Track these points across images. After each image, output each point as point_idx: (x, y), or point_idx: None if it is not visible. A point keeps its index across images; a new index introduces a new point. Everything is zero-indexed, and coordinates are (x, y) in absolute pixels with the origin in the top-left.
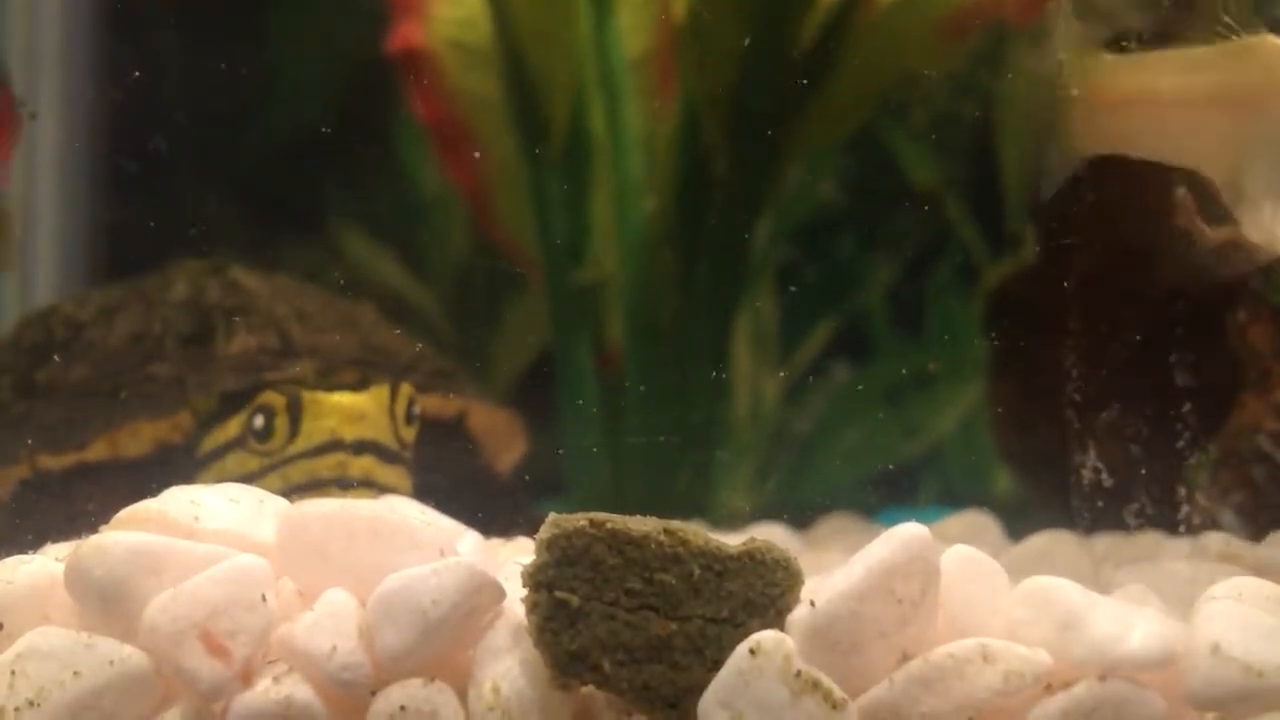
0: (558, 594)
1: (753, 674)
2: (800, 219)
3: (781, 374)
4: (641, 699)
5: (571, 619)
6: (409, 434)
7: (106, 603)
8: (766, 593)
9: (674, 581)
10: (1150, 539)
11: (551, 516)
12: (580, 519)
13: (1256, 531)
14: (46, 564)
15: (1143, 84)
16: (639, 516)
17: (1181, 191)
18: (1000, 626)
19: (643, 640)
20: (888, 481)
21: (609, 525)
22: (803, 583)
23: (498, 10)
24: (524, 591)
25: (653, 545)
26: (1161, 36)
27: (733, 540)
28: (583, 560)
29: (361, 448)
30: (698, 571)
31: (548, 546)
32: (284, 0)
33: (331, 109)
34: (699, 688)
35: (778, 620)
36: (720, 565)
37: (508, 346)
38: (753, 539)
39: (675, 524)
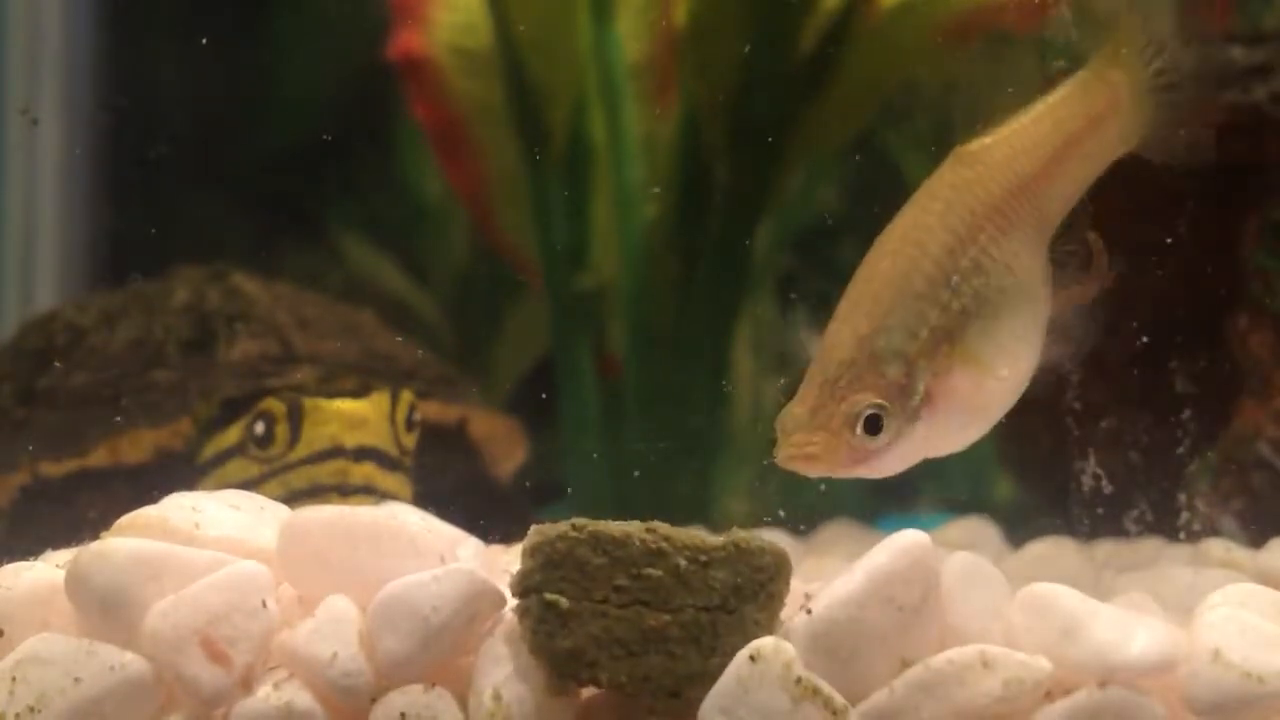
0: (546, 595)
1: (753, 680)
2: (801, 225)
3: (782, 380)
4: (643, 691)
5: (563, 619)
6: (410, 440)
7: (107, 609)
8: (754, 578)
9: (661, 574)
10: (1151, 545)
11: (534, 527)
12: (562, 525)
13: (1257, 538)
14: (47, 570)
15: None
16: (621, 521)
17: None
18: (1000, 633)
19: (637, 634)
20: (888, 488)
21: (590, 528)
22: (790, 567)
23: (498, 16)
24: (515, 601)
25: (636, 542)
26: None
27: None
28: (567, 563)
29: (362, 454)
30: (683, 564)
31: (532, 554)
32: (285, 5)
33: (332, 114)
34: (698, 675)
35: (770, 605)
36: (705, 556)
37: (508, 353)
38: (734, 530)
39: (656, 523)
